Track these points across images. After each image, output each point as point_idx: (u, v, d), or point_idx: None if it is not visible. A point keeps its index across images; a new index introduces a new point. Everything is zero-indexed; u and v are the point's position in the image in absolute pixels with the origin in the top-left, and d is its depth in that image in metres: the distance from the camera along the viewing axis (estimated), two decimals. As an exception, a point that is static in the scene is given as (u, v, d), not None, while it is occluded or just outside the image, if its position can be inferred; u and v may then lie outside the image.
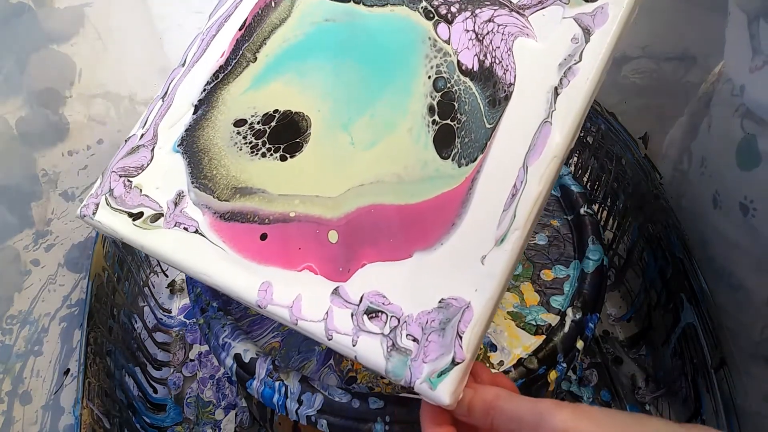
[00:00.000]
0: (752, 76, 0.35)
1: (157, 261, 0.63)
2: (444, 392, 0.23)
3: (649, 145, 0.53)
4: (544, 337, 0.33)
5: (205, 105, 0.33)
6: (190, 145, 0.32)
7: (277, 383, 0.31)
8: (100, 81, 0.53)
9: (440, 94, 0.30)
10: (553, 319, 0.35)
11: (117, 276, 0.53)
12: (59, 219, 0.45)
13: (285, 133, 0.31)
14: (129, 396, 0.49)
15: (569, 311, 0.34)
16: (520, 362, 0.32)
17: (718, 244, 0.42)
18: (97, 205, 0.30)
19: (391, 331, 0.25)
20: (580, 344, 0.33)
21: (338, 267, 0.27)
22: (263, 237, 0.29)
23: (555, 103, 0.28)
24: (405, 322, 0.25)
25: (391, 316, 0.25)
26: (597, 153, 0.60)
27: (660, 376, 0.51)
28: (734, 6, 0.37)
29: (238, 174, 0.30)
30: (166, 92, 0.34)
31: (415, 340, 0.25)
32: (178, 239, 0.29)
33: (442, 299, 0.25)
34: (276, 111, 0.31)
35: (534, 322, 0.35)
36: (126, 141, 0.33)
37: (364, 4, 0.34)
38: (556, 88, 0.28)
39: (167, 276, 0.63)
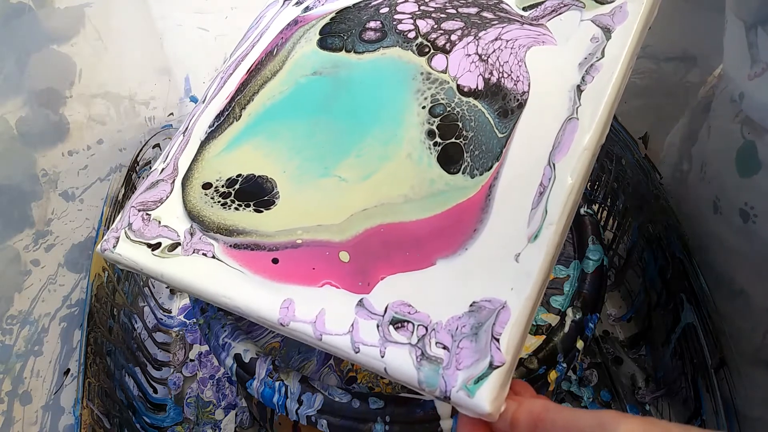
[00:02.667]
0: (751, 83, 0.35)
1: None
2: (483, 399, 0.22)
3: (649, 146, 0.53)
4: (544, 337, 0.33)
5: (196, 156, 0.33)
6: (185, 187, 0.33)
7: (277, 383, 0.31)
8: (100, 81, 0.53)
9: (439, 118, 0.30)
10: (553, 319, 0.35)
11: (117, 276, 0.53)
12: (59, 219, 0.45)
13: (250, 193, 0.31)
14: (129, 396, 0.49)
15: (569, 311, 0.34)
16: (520, 362, 0.32)
17: (719, 250, 0.42)
18: (117, 239, 0.31)
19: (419, 340, 0.24)
20: (580, 344, 0.33)
21: (357, 282, 0.27)
22: (275, 261, 0.28)
23: (579, 99, 0.28)
24: (434, 329, 0.24)
25: (418, 325, 0.24)
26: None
27: (660, 376, 0.51)
28: (731, 14, 0.37)
29: (223, 220, 0.31)
30: (186, 128, 0.35)
31: (445, 347, 0.23)
32: (197, 265, 0.29)
33: (474, 302, 0.24)
34: (239, 175, 0.32)
35: (534, 322, 0.35)
36: (147, 176, 0.33)
37: (355, 52, 0.35)
38: (578, 86, 0.28)
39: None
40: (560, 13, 0.31)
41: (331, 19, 0.37)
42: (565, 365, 0.32)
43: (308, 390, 0.31)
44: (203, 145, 0.34)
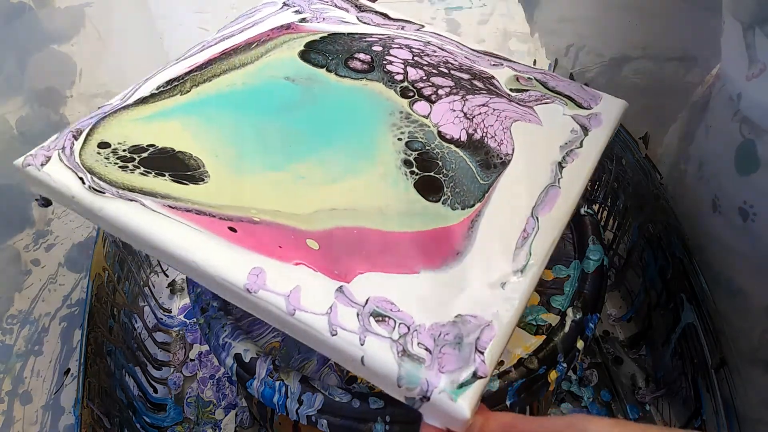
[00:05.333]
0: (749, 84, 0.35)
1: (158, 261, 0.63)
2: (465, 405, 0.22)
3: (649, 146, 0.53)
4: (545, 337, 0.33)
5: (115, 113, 0.31)
6: (86, 140, 0.29)
7: (277, 383, 0.31)
8: (101, 81, 0.53)
9: (417, 152, 0.31)
10: (553, 319, 0.35)
11: (117, 276, 0.53)
12: (59, 219, 0.45)
13: (166, 164, 0.28)
14: (129, 396, 0.49)
15: (569, 311, 0.34)
16: (520, 362, 0.32)
17: (717, 249, 0.42)
18: (48, 158, 0.28)
19: (400, 337, 0.24)
20: (580, 344, 0.33)
21: (333, 270, 0.26)
22: (233, 230, 0.26)
23: (561, 173, 0.31)
24: (416, 330, 0.24)
25: (400, 323, 0.24)
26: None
27: (660, 376, 0.51)
28: (728, 15, 0.37)
29: (128, 181, 0.27)
30: (150, 76, 0.34)
31: (427, 349, 0.23)
32: (142, 212, 0.26)
33: (459, 315, 0.25)
34: (151, 145, 0.29)
35: (534, 322, 0.35)
36: (99, 108, 0.31)
37: (336, 74, 0.35)
38: (560, 163, 0.32)
39: (167, 276, 0.63)
40: (545, 103, 0.35)
41: (321, 38, 0.38)
42: (565, 365, 0.32)
43: (308, 390, 0.31)
44: (136, 104, 0.31)
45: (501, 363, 0.33)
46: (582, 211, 0.40)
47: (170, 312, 0.60)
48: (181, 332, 0.58)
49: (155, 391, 0.52)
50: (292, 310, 0.24)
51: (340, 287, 0.25)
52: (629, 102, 0.39)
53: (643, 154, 0.53)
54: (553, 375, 0.31)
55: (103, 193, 0.26)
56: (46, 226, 0.44)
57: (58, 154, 0.28)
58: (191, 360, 0.56)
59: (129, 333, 0.53)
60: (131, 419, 0.48)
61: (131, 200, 0.26)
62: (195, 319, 0.53)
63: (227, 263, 0.25)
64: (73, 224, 0.47)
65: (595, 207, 0.60)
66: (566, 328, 0.33)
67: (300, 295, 0.25)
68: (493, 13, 0.77)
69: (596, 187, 0.62)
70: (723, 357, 0.42)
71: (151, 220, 0.26)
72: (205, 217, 0.26)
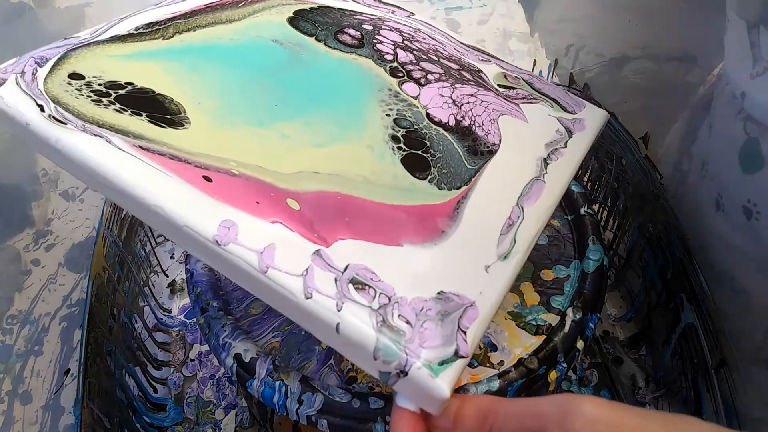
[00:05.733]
0: (753, 82, 0.35)
1: (158, 261, 0.63)
2: (445, 384, 0.21)
3: (649, 146, 0.53)
4: (545, 337, 0.33)
5: (89, 45, 0.29)
6: (53, 68, 0.28)
7: (277, 383, 0.31)
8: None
9: (405, 130, 0.31)
10: (553, 319, 0.35)
11: (117, 276, 0.53)
12: (59, 219, 0.45)
13: (143, 103, 0.27)
14: (129, 396, 0.49)
15: (569, 311, 0.34)
16: (520, 362, 0.32)
17: (720, 248, 0.41)
18: (4, 80, 0.26)
19: (380, 307, 0.23)
20: (580, 344, 0.33)
21: (312, 233, 0.25)
22: (207, 179, 0.25)
23: (546, 168, 0.32)
24: (397, 302, 0.23)
25: (380, 293, 0.23)
26: (597, 153, 0.60)
27: (660, 376, 0.51)
28: (733, 14, 0.37)
29: (100, 116, 0.26)
30: (127, 17, 0.32)
31: (408, 322, 0.23)
32: (104, 148, 0.24)
33: (442, 291, 0.24)
34: (129, 83, 0.28)
35: (534, 322, 0.35)
36: (65, 39, 0.30)
37: (326, 44, 0.34)
38: (545, 159, 0.32)
39: (167, 276, 0.63)
40: (531, 102, 0.36)
41: (311, 8, 0.37)
42: (565, 365, 0.32)
43: (308, 390, 0.31)
44: (112, 41, 0.30)
45: (501, 363, 0.33)
46: (582, 211, 0.40)
47: (170, 312, 0.60)
48: (181, 332, 0.58)
49: (155, 391, 0.52)
50: (264, 267, 0.23)
51: (318, 250, 0.24)
52: (629, 102, 0.40)
53: (643, 154, 0.53)
54: (553, 375, 0.31)
55: (65, 124, 0.25)
56: (46, 226, 0.44)
57: (16, 78, 0.26)
58: (191, 360, 0.56)
59: (129, 333, 0.53)
60: (131, 419, 0.48)
61: (96, 135, 0.25)
62: (195, 319, 0.53)
63: (197, 212, 0.23)
64: (73, 224, 0.47)
65: (595, 207, 0.60)
66: (566, 328, 0.33)
67: (275, 253, 0.23)
68: (493, 13, 0.77)
69: (596, 187, 0.62)
70: (723, 357, 0.42)
71: (116, 159, 0.24)
72: (180, 163, 0.25)
